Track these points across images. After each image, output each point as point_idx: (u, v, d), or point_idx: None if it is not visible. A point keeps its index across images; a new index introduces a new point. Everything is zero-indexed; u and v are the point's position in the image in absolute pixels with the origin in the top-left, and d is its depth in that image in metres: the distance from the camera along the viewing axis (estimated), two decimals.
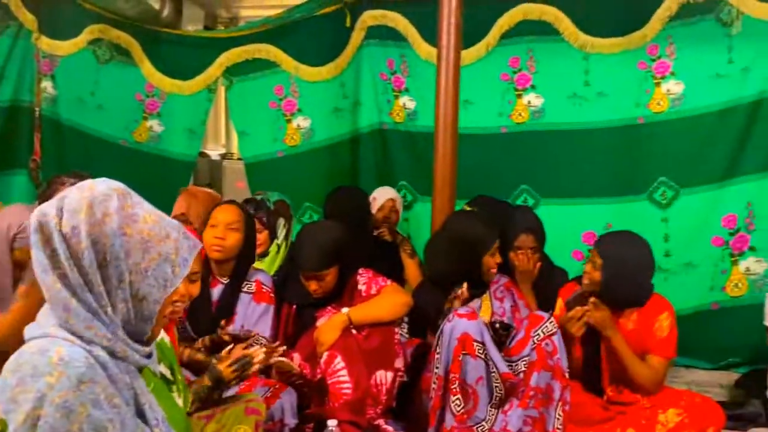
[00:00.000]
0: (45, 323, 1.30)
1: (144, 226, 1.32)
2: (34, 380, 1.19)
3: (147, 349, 1.39)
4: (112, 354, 1.30)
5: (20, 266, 2.28)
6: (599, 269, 2.68)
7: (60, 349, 1.23)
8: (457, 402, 2.49)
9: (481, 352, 2.49)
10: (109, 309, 1.29)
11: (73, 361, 1.22)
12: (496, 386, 2.52)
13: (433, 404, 2.54)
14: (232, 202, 2.95)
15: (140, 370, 1.40)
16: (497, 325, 2.65)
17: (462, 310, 2.55)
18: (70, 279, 1.27)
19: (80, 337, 1.27)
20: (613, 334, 2.65)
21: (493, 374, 2.51)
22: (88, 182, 1.35)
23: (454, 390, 2.49)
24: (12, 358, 1.26)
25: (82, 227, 1.27)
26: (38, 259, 1.28)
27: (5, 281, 2.28)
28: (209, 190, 3.95)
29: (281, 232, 3.59)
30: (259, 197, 3.62)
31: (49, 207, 1.30)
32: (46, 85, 4.21)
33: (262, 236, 3.36)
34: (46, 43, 4.18)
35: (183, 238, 1.38)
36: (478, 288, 2.84)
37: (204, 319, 2.70)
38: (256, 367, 2.22)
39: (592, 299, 2.66)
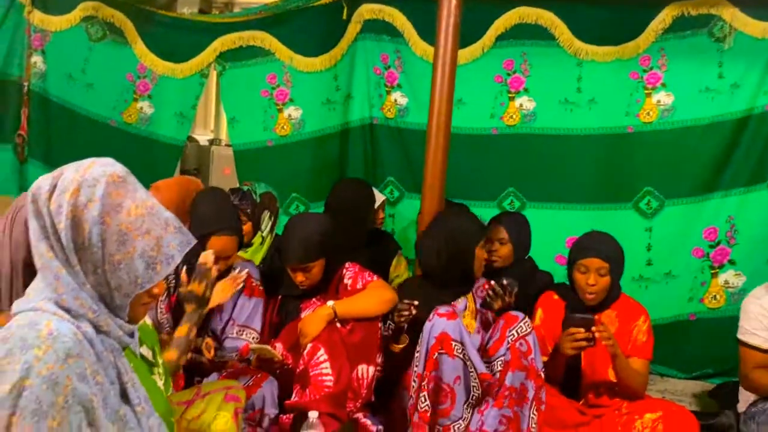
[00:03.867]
0: (35, 297, 1.32)
1: (125, 218, 1.32)
2: (22, 352, 1.21)
3: (130, 327, 1.41)
4: (97, 329, 1.32)
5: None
6: (605, 274, 2.70)
7: (50, 323, 1.26)
8: (423, 399, 2.51)
9: (459, 351, 2.51)
10: (88, 286, 1.32)
11: (62, 336, 1.24)
12: (473, 386, 2.55)
13: (414, 402, 2.56)
14: (216, 201, 2.85)
15: (123, 349, 1.42)
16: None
17: (442, 310, 2.57)
18: (56, 251, 1.30)
19: (68, 310, 1.29)
20: (619, 354, 2.63)
21: (471, 374, 2.53)
22: (88, 161, 1.37)
23: (423, 387, 2.51)
24: (1, 330, 1.27)
25: (65, 208, 1.29)
26: (32, 227, 1.32)
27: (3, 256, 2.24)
28: (176, 179, 3.86)
29: (266, 225, 3.57)
30: (245, 188, 3.60)
31: (45, 180, 1.34)
32: (36, 60, 4.14)
33: (245, 228, 3.34)
34: (38, 18, 4.11)
35: (173, 234, 1.37)
36: (464, 285, 2.86)
37: None
38: (210, 266, 2.22)
39: (600, 324, 2.58)
